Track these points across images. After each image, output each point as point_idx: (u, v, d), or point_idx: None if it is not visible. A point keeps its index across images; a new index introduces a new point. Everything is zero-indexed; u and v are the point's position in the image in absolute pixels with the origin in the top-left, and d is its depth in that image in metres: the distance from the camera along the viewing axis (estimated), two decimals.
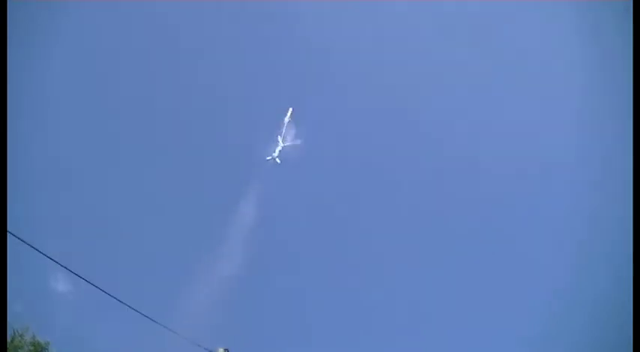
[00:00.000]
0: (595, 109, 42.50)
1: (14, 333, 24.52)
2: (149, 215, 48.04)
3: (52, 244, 14.00)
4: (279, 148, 43.58)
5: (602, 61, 40.75)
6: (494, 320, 44.36)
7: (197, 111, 50.41)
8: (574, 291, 41.01)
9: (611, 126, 39.73)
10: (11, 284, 16.83)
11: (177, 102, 50.23)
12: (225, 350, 20.59)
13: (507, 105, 49.32)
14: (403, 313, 47.71)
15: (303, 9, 48.92)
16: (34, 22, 40.70)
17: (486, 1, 47.65)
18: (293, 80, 51.27)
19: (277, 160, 43.50)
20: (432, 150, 51.17)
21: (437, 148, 51.03)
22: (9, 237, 12.15)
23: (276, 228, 48.58)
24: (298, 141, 43.95)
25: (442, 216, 49.96)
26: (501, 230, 47.92)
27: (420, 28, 50.09)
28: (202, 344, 19.93)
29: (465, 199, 49.62)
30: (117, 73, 49.28)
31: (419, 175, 50.62)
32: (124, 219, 47.20)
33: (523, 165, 48.38)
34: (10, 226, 12.28)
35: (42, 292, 39.96)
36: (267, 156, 43.69)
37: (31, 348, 24.91)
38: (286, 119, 44.05)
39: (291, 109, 44.13)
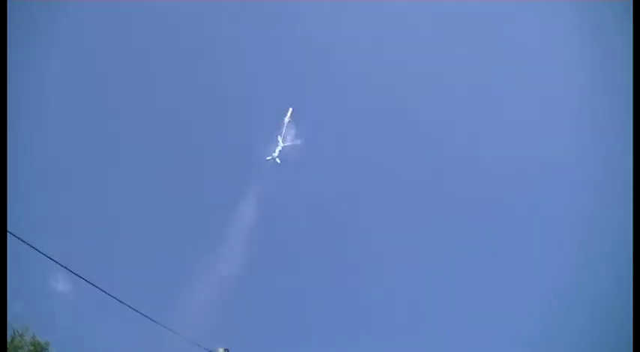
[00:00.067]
0: (595, 109, 42.51)
1: (14, 333, 24.52)
2: (149, 215, 48.14)
3: (52, 244, 14.02)
4: (279, 148, 43.62)
5: (602, 61, 40.77)
6: (495, 320, 44.42)
7: (197, 112, 50.51)
8: (574, 291, 41.02)
9: (611, 126, 39.75)
10: (11, 284, 16.83)
11: (178, 103, 50.32)
12: (225, 350, 20.60)
13: (507, 105, 49.38)
14: (403, 313, 47.78)
15: (303, 9, 48.97)
16: (34, 22, 40.70)
17: (486, 1, 47.67)
18: (293, 80, 51.36)
19: (277, 160, 43.53)
20: (432, 150, 51.28)
21: (437, 148, 51.14)
22: (9, 237, 12.14)
23: (276, 228, 48.67)
24: (298, 141, 44.04)
25: (442, 216, 50.06)
26: (501, 230, 47.98)
27: (420, 28, 50.17)
28: (202, 344, 19.95)
29: (465, 199, 49.70)
30: (117, 73, 49.36)
31: (419, 175, 50.72)
32: (124, 219, 47.29)
33: (523, 165, 48.43)
34: (10, 226, 12.28)
35: (42, 292, 40.03)
36: (267, 156, 43.74)
37: (31, 348, 24.90)
38: (286, 119, 44.09)
39: (291, 109, 44.20)
